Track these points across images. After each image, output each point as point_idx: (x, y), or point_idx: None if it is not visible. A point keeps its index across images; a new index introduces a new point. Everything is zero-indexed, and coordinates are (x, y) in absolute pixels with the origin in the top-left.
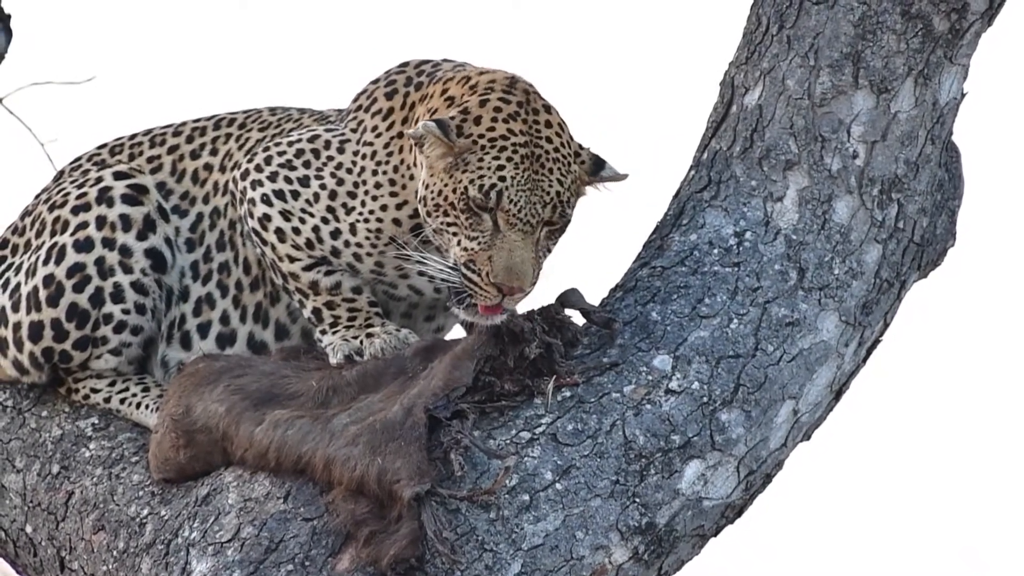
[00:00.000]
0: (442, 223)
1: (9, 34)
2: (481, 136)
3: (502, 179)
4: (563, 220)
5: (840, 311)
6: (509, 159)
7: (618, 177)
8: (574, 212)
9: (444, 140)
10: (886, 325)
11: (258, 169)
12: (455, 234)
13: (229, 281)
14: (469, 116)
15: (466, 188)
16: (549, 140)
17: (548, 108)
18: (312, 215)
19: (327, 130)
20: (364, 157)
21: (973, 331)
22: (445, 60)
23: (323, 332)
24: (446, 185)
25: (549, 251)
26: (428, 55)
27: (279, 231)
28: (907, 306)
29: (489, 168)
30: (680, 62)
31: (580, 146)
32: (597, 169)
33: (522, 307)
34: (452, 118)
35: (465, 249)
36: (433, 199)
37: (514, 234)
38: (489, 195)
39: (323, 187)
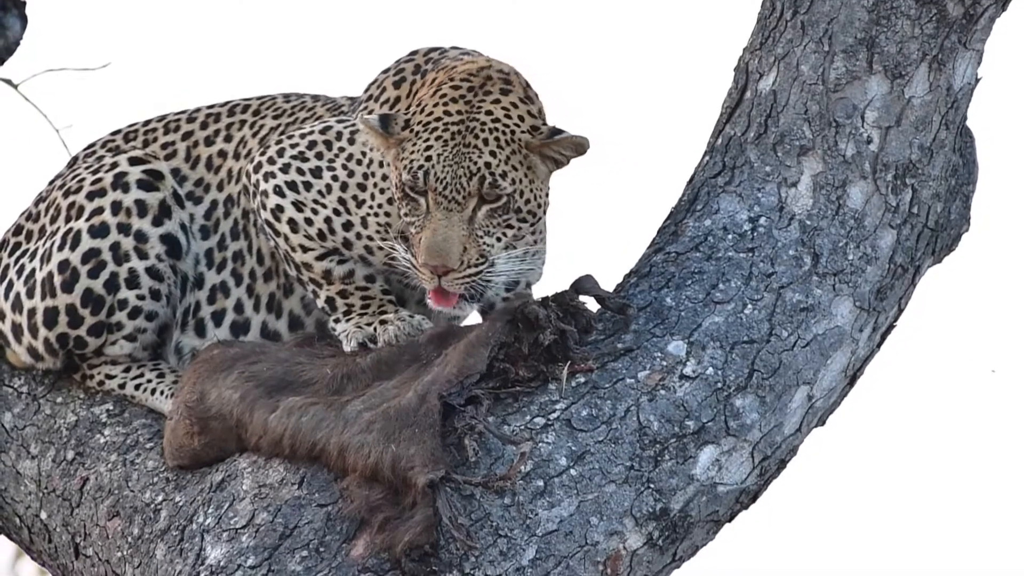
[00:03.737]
0: (402, 213)
1: (24, 21)
2: (419, 123)
3: (428, 159)
4: (496, 192)
5: (854, 296)
6: (438, 138)
7: (575, 139)
8: (526, 188)
9: (380, 132)
10: (900, 310)
11: (271, 161)
12: (410, 223)
13: (243, 270)
14: (420, 106)
15: (401, 174)
16: (489, 113)
17: (507, 92)
18: (324, 206)
19: (339, 121)
20: (373, 148)
21: (987, 317)
22: (453, 47)
23: (336, 320)
24: (394, 175)
25: (506, 232)
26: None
27: (292, 221)
28: (921, 291)
29: (418, 150)
30: (679, 55)
31: (545, 124)
32: (553, 136)
33: (537, 294)
34: (406, 111)
35: (409, 235)
36: (392, 191)
37: (439, 212)
38: (417, 176)
39: (335, 178)
